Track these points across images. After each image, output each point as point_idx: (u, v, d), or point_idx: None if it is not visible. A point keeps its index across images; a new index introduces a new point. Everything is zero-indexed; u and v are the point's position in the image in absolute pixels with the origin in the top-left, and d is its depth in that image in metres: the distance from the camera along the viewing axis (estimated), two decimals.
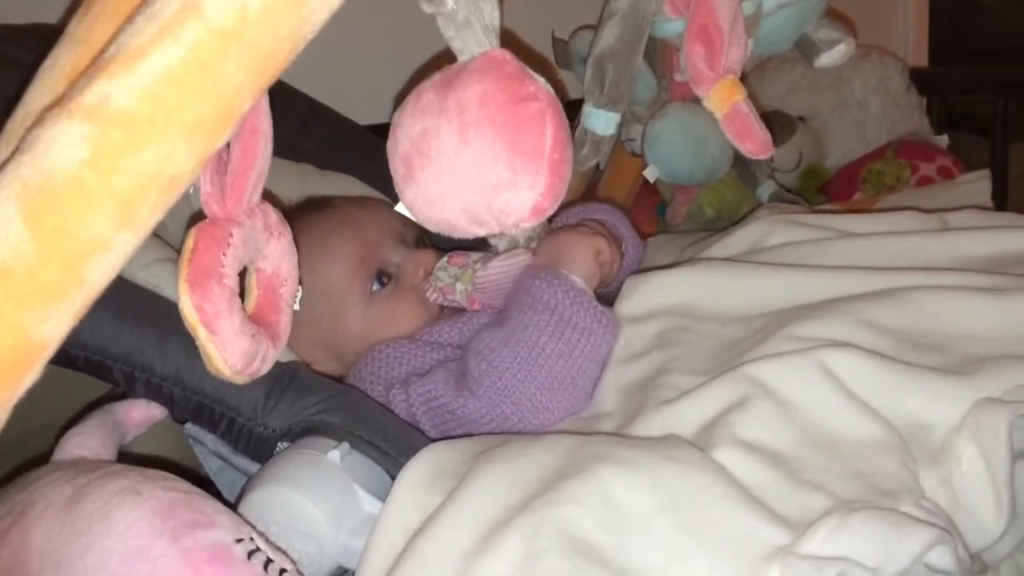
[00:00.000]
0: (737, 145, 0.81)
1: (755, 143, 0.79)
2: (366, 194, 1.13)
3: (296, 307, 0.69)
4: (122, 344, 0.73)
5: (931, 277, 0.78)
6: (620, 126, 1.05)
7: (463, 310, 0.92)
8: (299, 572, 0.58)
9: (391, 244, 0.94)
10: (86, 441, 0.68)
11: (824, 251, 0.89)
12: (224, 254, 0.58)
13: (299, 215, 0.95)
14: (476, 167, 0.54)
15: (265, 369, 0.63)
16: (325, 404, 0.74)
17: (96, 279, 0.41)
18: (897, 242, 0.87)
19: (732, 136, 0.80)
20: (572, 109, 0.95)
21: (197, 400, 0.74)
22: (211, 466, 0.78)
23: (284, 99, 1.17)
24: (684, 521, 0.59)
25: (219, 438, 0.76)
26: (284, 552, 0.58)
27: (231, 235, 0.58)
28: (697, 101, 1.22)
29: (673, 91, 1.19)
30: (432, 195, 0.57)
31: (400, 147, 0.58)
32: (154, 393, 0.74)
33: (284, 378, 0.75)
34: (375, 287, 0.92)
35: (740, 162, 1.27)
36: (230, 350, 0.59)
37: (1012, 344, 0.71)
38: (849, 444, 0.66)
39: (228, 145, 0.57)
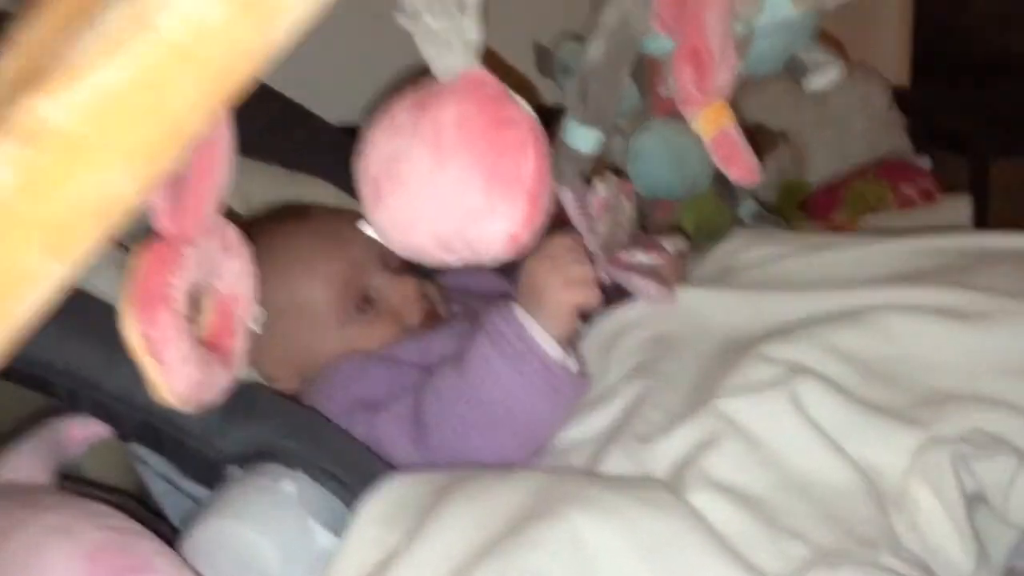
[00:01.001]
0: (724, 170, 0.78)
1: (742, 170, 0.76)
2: (339, 200, 1.08)
3: (257, 329, 0.65)
4: (66, 358, 0.68)
5: (902, 293, 0.76)
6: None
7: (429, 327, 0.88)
8: None
9: (375, 267, 0.88)
10: (21, 464, 0.64)
11: (797, 265, 0.87)
12: (174, 277, 0.53)
13: (275, 224, 0.91)
14: (450, 192, 0.51)
15: (214, 396, 0.59)
16: (283, 429, 0.70)
17: (20, 314, 0.37)
18: (867, 249, 0.85)
19: (719, 161, 0.77)
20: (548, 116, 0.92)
21: (143, 418, 0.69)
22: (157, 489, 0.74)
23: (253, 95, 1.15)
24: (659, 569, 0.56)
25: (167, 460, 0.71)
26: None
27: (182, 256, 0.54)
28: (680, 116, 1.20)
29: (657, 106, 1.16)
30: (402, 219, 0.53)
31: (370, 169, 0.54)
32: (99, 411, 0.70)
33: (241, 399, 0.71)
34: (353, 312, 0.87)
35: (719, 179, 1.24)
36: (177, 379, 0.55)
37: (973, 380, 0.68)
38: (822, 487, 0.63)
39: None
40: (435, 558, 0.58)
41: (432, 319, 0.91)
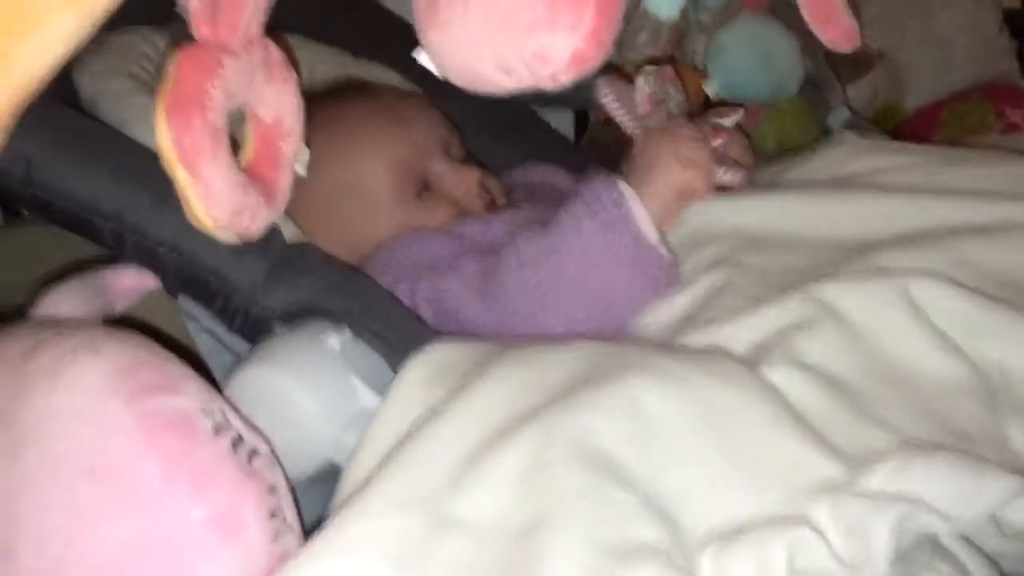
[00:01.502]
0: (818, 32, 0.70)
1: (839, 32, 0.69)
2: (403, 87, 1.04)
3: (301, 171, 0.61)
4: (115, 201, 0.66)
5: None
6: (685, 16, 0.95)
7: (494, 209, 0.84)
8: (275, 459, 0.51)
9: (436, 151, 0.86)
10: (62, 301, 0.61)
11: (919, 177, 0.78)
12: (211, 84, 0.50)
13: (338, 99, 0.89)
14: (509, 2, 0.46)
15: (255, 229, 0.55)
16: (331, 287, 0.67)
17: (27, 61, 0.33)
18: (1003, 170, 0.76)
19: (813, 20, 0.69)
20: None
21: (192, 271, 0.67)
22: (204, 346, 0.71)
23: None
24: (722, 442, 0.51)
25: (213, 315, 0.69)
26: (261, 435, 0.51)
27: (221, 64, 0.50)
28: (770, 12, 1.12)
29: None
30: (457, 36, 0.48)
31: None
32: (146, 258, 0.67)
33: (289, 256, 0.68)
34: (412, 194, 0.84)
35: (811, 84, 1.16)
36: (213, 197, 0.51)
37: None
38: (924, 382, 0.57)
39: None
40: (478, 417, 0.53)
41: (492, 208, 0.87)
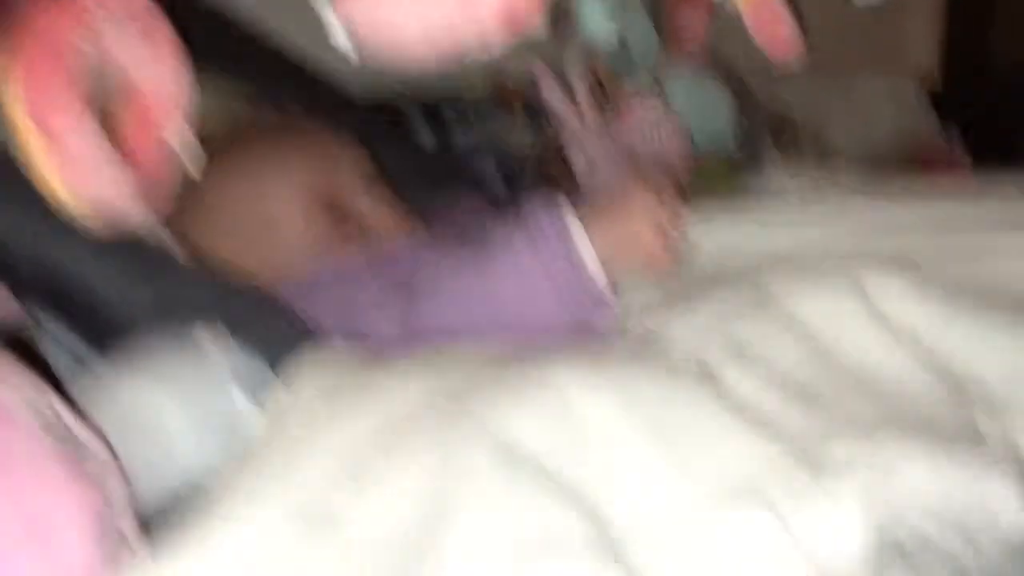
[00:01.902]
0: (763, 45, 0.66)
1: (782, 45, 0.65)
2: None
3: (190, 165, 0.52)
4: None
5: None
6: None
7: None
8: (117, 467, 0.41)
9: (356, 185, 0.81)
10: None
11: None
12: (73, 31, 0.41)
13: (259, 131, 0.84)
14: None
15: (128, 212, 0.47)
16: (207, 289, 0.59)
17: None
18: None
19: (757, 34, 0.65)
20: None
21: (47, 274, 0.57)
22: (59, 362, 0.61)
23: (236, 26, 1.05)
24: (663, 440, 0.44)
25: (77, 333, 0.59)
26: (105, 440, 0.41)
27: (87, 11, 0.42)
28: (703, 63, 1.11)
29: (675, 44, 1.07)
30: (375, 4, 0.42)
31: None
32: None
33: (159, 257, 0.60)
34: (327, 226, 0.78)
35: (745, 140, 1.14)
36: (71, 164, 0.42)
37: None
38: (884, 378, 0.51)
39: None
40: (377, 417, 0.45)
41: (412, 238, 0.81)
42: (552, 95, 0.73)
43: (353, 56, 0.46)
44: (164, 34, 0.49)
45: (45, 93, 0.42)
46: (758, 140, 1.18)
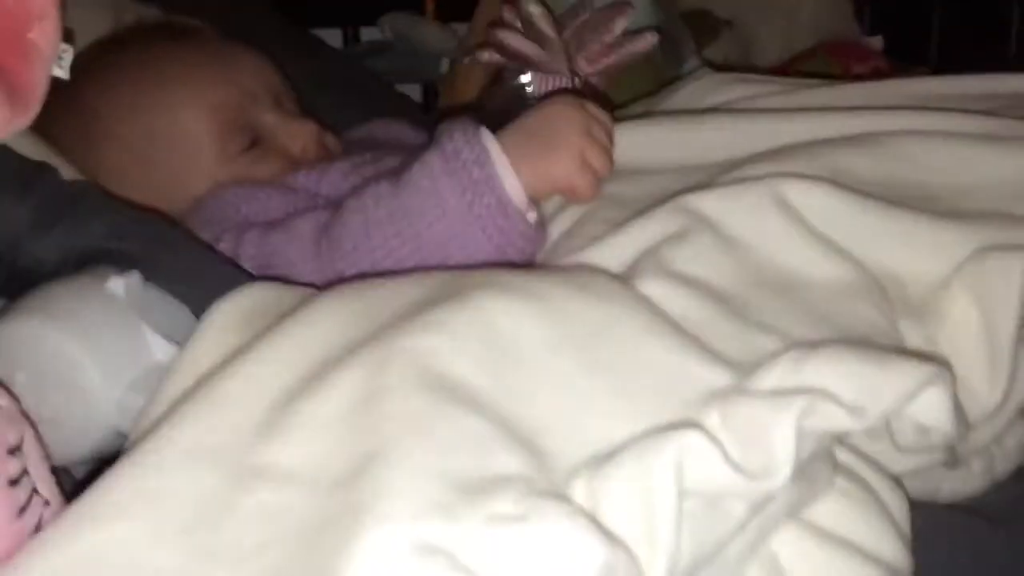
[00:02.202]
0: None
1: None
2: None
3: (63, 73, 0.49)
4: None
5: (916, 119, 0.64)
6: None
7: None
8: (19, 413, 0.39)
9: (267, 102, 0.76)
10: None
11: (780, 101, 0.74)
12: None
13: (153, 37, 0.79)
14: None
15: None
16: (116, 229, 0.56)
17: None
18: (874, 88, 0.73)
19: None
20: None
21: None
22: None
23: None
24: (590, 358, 0.43)
25: None
26: (3, 388, 0.39)
27: None
28: None
29: None
30: None
31: None
32: None
33: (63, 197, 0.56)
34: (239, 147, 0.74)
35: (664, 36, 1.12)
36: None
37: (1012, 201, 0.57)
38: (809, 286, 0.51)
39: None
40: (297, 351, 0.43)
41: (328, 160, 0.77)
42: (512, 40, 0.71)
43: None
44: None
45: None
46: (677, 36, 1.16)
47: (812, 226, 0.54)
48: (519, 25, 0.83)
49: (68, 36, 0.49)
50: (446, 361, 0.41)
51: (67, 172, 0.60)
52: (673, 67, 1.20)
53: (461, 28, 1.21)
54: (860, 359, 0.41)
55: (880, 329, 0.49)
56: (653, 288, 0.49)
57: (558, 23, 0.78)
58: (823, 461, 0.43)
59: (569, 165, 0.61)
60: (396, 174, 0.63)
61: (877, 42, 1.41)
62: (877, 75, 1.33)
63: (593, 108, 0.64)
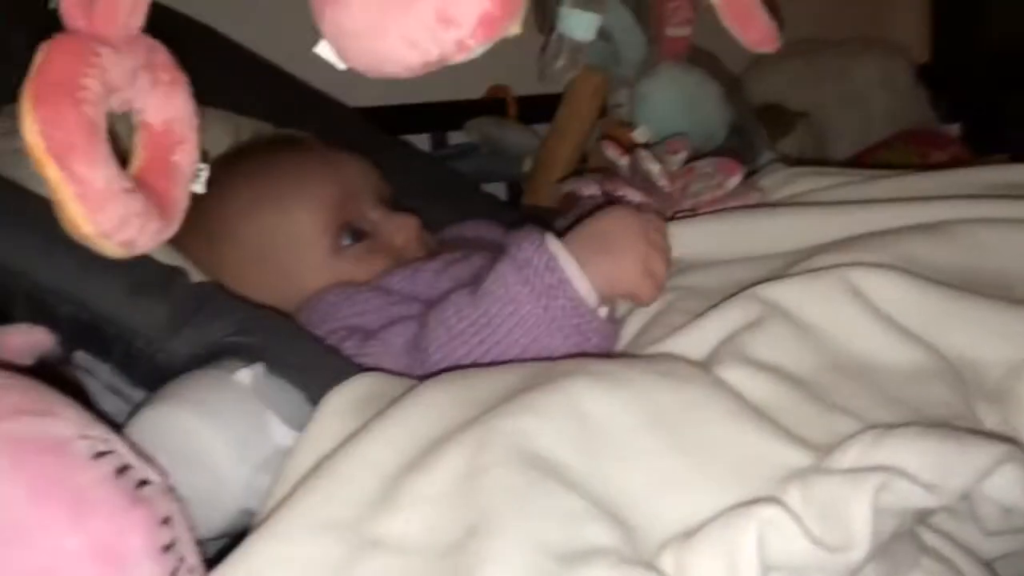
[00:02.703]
0: (738, 35, 0.69)
1: (758, 33, 0.67)
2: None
3: (200, 188, 0.56)
4: None
5: (991, 207, 0.66)
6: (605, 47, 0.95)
7: (419, 259, 0.80)
8: (172, 490, 0.44)
9: (371, 200, 0.82)
10: None
11: (852, 192, 0.77)
12: (85, 73, 0.45)
13: (267, 147, 0.86)
14: None
15: (145, 242, 0.50)
16: (241, 325, 0.61)
17: None
18: (948, 176, 0.75)
19: (731, 23, 0.68)
20: None
21: (87, 318, 0.61)
22: (108, 407, 0.64)
23: (243, 62, 1.09)
24: (675, 440, 0.46)
25: (114, 368, 0.62)
26: (156, 466, 0.44)
27: (96, 54, 0.46)
28: (690, 62, 1.13)
29: (665, 49, 1.10)
30: (355, 8, 0.45)
31: None
32: (37, 310, 0.61)
33: (195, 297, 0.63)
34: (346, 242, 0.79)
35: (736, 132, 1.16)
36: (92, 199, 0.46)
37: None
38: (881, 370, 0.54)
39: None
40: (404, 434, 0.48)
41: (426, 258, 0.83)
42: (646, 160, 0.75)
43: (339, 64, 0.49)
44: (169, 71, 0.53)
45: (60, 132, 0.45)
46: (750, 130, 1.20)
47: (885, 312, 0.56)
48: (625, 168, 0.86)
49: (204, 156, 0.56)
50: (540, 441, 0.45)
51: (196, 275, 0.66)
52: (748, 161, 1.24)
53: (541, 129, 1.27)
54: (935, 438, 0.43)
55: (955, 411, 0.51)
56: (732, 374, 0.52)
57: (670, 174, 0.80)
58: (906, 542, 0.45)
59: (632, 271, 0.64)
60: (476, 281, 0.67)
61: (954, 130, 1.42)
62: (956, 163, 1.34)
63: (649, 215, 0.69)
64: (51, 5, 0.47)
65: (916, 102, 1.51)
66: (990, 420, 0.52)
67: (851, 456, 0.44)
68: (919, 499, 0.41)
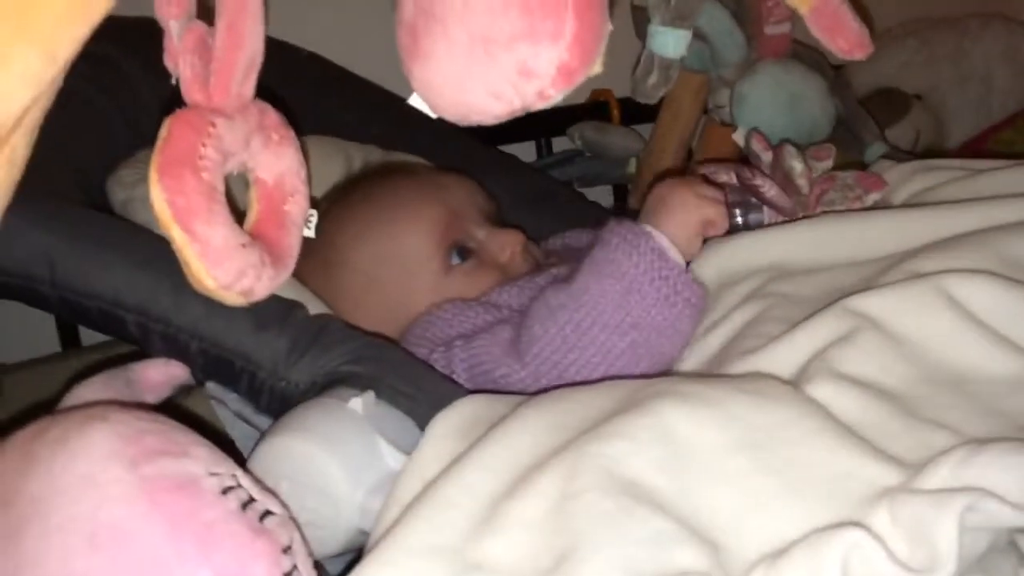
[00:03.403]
0: (827, 44, 0.68)
1: (849, 42, 0.67)
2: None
3: (310, 233, 0.60)
4: (136, 293, 0.66)
5: None
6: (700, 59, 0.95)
7: (529, 273, 0.83)
8: (292, 520, 0.48)
9: (476, 218, 0.86)
10: (89, 394, 0.61)
11: (955, 189, 0.75)
12: (203, 144, 0.50)
13: (375, 175, 0.90)
14: (486, 19, 0.45)
15: (262, 289, 0.55)
16: (353, 355, 0.65)
17: None
18: None
19: (820, 33, 0.68)
20: None
21: (216, 353, 0.66)
22: (236, 432, 0.70)
23: (350, 86, 1.14)
24: (764, 460, 0.47)
25: (241, 397, 0.68)
26: (277, 498, 0.49)
27: (213, 124, 0.51)
28: (792, 58, 1.11)
29: (764, 47, 1.08)
30: (442, 65, 0.48)
31: (406, 13, 0.49)
32: (171, 347, 0.67)
33: (311, 329, 0.67)
34: (455, 261, 0.83)
35: (843, 124, 1.14)
36: (211, 256, 0.51)
37: None
38: (980, 381, 0.53)
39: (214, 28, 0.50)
40: (503, 460, 0.51)
41: (534, 272, 0.85)
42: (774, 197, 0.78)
43: (431, 113, 0.52)
44: (278, 130, 0.57)
45: (182, 199, 0.50)
46: (857, 122, 1.17)
47: (980, 320, 0.55)
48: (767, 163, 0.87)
49: (314, 203, 0.60)
50: (630, 465, 0.47)
51: (313, 308, 0.71)
52: (855, 154, 1.21)
53: (644, 130, 1.28)
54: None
55: None
56: (822, 391, 0.52)
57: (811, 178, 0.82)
58: (1003, 554, 0.45)
59: (690, 207, 0.72)
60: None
61: None
62: None
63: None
64: (172, 81, 0.52)
65: None
66: None
67: (942, 473, 0.44)
68: (1008, 519, 0.41)
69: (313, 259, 0.82)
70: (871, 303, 0.58)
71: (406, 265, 0.82)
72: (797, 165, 0.79)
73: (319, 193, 0.93)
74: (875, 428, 0.49)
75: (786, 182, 0.80)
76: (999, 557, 0.45)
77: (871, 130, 1.18)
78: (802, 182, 0.79)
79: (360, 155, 1.02)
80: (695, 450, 0.48)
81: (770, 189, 0.78)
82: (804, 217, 0.79)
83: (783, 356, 0.58)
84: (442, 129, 1.16)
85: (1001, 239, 0.62)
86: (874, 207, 0.78)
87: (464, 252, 0.83)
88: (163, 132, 0.50)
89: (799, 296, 0.66)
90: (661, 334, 0.67)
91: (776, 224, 0.79)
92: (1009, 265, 0.59)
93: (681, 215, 0.72)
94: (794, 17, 1.09)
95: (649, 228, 0.70)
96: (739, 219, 0.83)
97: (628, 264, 0.67)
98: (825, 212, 0.78)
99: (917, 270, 0.61)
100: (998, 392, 0.52)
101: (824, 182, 0.81)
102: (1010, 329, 0.55)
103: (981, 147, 1.33)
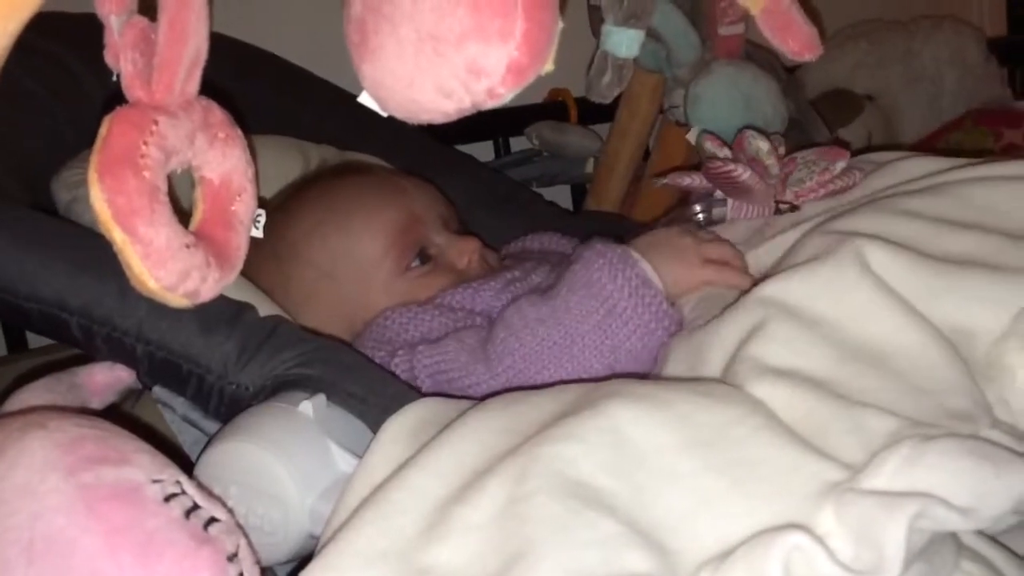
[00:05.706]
0: (778, 46, 0.69)
1: (799, 41, 0.67)
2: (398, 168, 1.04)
3: (258, 232, 0.59)
4: (80, 295, 0.65)
5: (990, 169, 0.66)
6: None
7: (482, 277, 0.82)
8: (238, 526, 0.47)
9: (435, 223, 0.85)
10: (32, 399, 0.59)
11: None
12: (144, 142, 0.49)
13: (332, 174, 0.89)
14: (435, 17, 0.45)
15: (207, 291, 0.54)
16: (304, 357, 0.65)
17: None
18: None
19: (771, 34, 0.68)
20: None
21: (162, 356, 0.65)
22: (185, 437, 0.68)
23: (306, 85, 1.13)
24: (713, 459, 0.48)
25: (189, 401, 0.66)
26: (223, 504, 0.48)
27: (155, 122, 0.49)
28: (744, 58, 1.12)
29: (718, 47, 1.09)
30: (391, 63, 0.47)
31: (354, 9, 0.48)
32: (116, 350, 0.66)
33: (261, 331, 0.66)
34: (414, 264, 0.82)
35: (796, 127, 1.15)
36: (154, 257, 0.50)
37: None
38: (901, 357, 0.53)
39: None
40: (450, 463, 0.50)
41: (487, 273, 0.85)
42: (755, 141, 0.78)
43: (380, 111, 0.52)
44: (224, 128, 0.56)
45: (123, 198, 0.49)
46: (807, 123, 1.19)
47: (892, 289, 0.56)
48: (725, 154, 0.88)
49: (262, 203, 0.59)
50: (580, 467, 0.47)
51: (264, 309, 0.70)
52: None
53: (602, 129, 1.28)
54: (973, 459, 0.43)
55: (974, 398, 0.51)
56: (757, 390, 0.52)
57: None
58: (945, 546, 0.45)
59: (695, 274, 0.70)
60: (544, 285, 0.70)
61: None
62: None
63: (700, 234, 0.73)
64: (113, 78, 0.51)
65: (988, 79, 1.47)
66: (990, 395, 0.52)
67: (887, 471, 0.44)
68: (955, 524, 0.41)
69: (265, 252, 0.81)
70: (775, 288, 0.58)
71: (361, 263, 0.82)
72: (763, 145, 0.79)
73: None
74: (809, 419, 0.49)
75: (756, 165, 0.81)
76: (940, 549, 0.45)
77: (821, 134, 1.20)
78: (771, 161, 0.79)
79: (317, 154, 1.01)
80: (646, 451, 0.48)
81: (743, 172, 0.78)
82: (777, 201, 0.80)
83: (713, 346, 0.59)
84: (399, 129, 1.16)
85: (894, 199, 0.65)
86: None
87: (422, 257, 0.83)
88: (103, 130, 0.49)
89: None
90: (637, 359, 0.67)
91: (742, 216, 0.80)
92: (900, 215, 0.62)
93: (681, 271, 0.71)
94: (747, 18, 1.10)
95: (636, 254, 0.69)
96: (700, 216, 0.84)
97: (612, 287, 0.67)
98: (795, 192, 0.79)
99: (830, 229, 0.63)
100: (916, 367, 0.52)
101: (786, 165, 0.82)
102: (920, 301, 0.55)
103: (932, 147, 1.35)
